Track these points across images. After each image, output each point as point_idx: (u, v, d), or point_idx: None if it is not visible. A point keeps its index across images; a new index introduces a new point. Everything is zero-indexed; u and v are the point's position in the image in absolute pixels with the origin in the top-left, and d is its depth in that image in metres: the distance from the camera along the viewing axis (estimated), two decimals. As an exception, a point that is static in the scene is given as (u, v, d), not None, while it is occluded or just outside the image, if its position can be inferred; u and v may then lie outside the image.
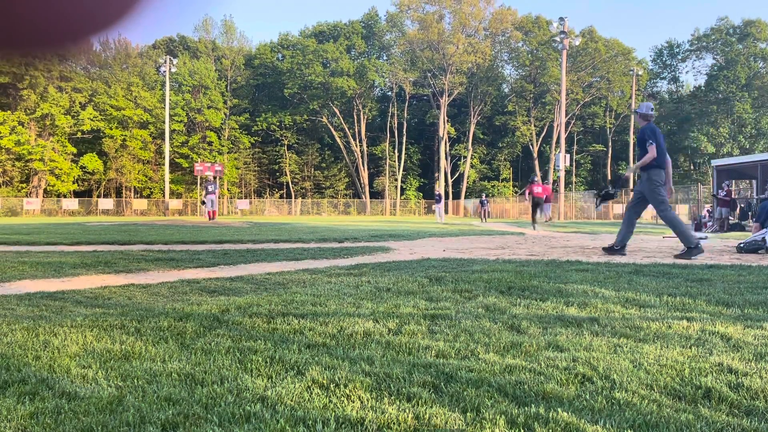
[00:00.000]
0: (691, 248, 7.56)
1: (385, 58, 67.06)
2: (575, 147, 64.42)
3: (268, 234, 14.33)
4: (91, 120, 53.98)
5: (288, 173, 64.76)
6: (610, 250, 8.25)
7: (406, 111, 64.74)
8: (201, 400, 2.24)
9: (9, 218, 36.73)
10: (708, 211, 22.33)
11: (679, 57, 67.34)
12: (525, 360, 2.75)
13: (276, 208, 62.86)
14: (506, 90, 67.66)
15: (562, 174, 39.15)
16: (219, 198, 55.29)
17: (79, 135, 54.57)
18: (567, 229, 20.05)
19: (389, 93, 66.82)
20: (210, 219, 25.25)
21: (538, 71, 61.75)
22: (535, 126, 63.28)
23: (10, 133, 50.58)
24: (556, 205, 40.30)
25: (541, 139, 63.81)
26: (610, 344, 3.02)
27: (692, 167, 65.66)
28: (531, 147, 63.64)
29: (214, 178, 32.79)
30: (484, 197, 35.53)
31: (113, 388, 2.39)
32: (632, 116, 57.11)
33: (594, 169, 68.34)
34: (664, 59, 68.36)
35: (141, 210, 54.43)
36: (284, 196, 65.55)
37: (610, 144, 64.28)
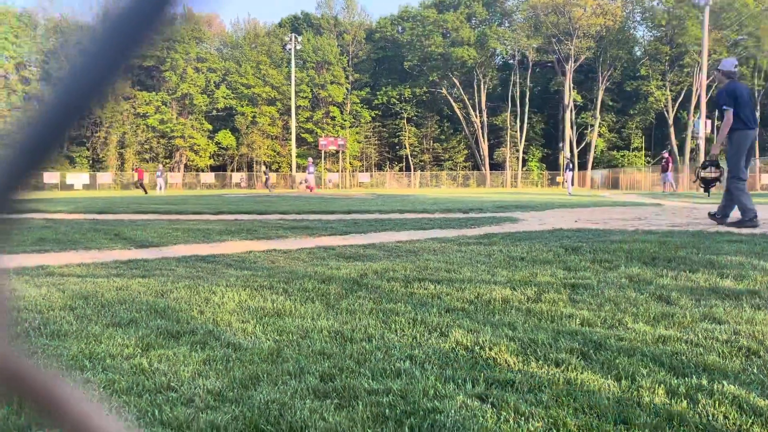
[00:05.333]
0: (745, 220, 7.23)
1: (506, 24, 65.03)
2: (717, 112, 59.17)
3: (393, 205, 14.58)
4: (224, 98, 57.36)
5: (407, 146, 65.17)
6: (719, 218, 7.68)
7: (528, 79, 62.60)
8: (352, 355, 2.35)
9: (154, 191, 40.17)
10: None
11: None
12: (679, 331, 2.62)
13: (396, 180, 63.63)
14: (639, 53, 63.24)
15: (702, 142, 36.16)
16: (341, 172, 57.06)
17: (214, 113, 58.24)
18: (709, 200, 18.59)
19: (511, 61, 64.84)
20: (311, 191, 31.75)
21: (675, 31, 57.09)
22: (670, 91, 58.77)
23: (155, 113, 55.06)
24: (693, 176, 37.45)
25: (677, 104, 59.21)
26: (776, 318, 2.79)
27: None
28: (666, 113, 59.29)
29: (298, 167, 40.12)
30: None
31: (271, 341, 2.57)
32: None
33: (739, 135, 62.42)
34: (826, 10, 60.58)
35: (271, 183, 57.28)
36: (403, 169, 66.13)
37: (758, 107, 58.40)
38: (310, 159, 38.58)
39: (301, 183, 33.00)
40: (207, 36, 60.29)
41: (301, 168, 58.25)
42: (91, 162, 56.52)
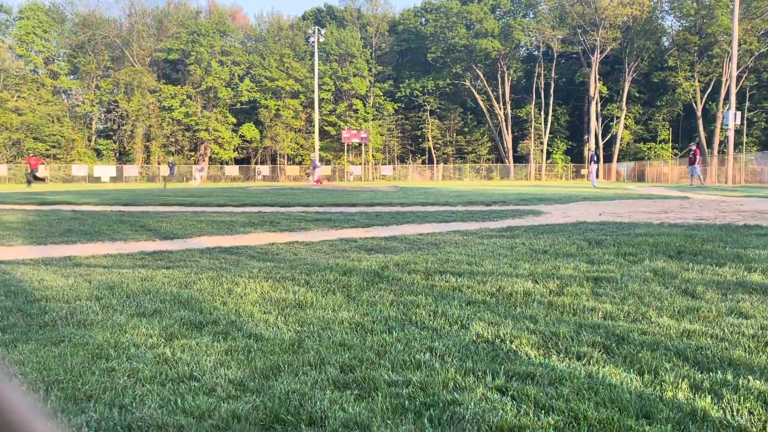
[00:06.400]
0: None
1: (531, 15, 64.25)
2: (747, 104, 57.78)
3: (415, 197, 14.56)
4: (248, 91, 57.67)
5: (430, 138, 64.88)
6: None
7: (553, 70, 61.83)
8: (372, 346, 2.36)
9: (179, 183, 40.64)
10: None
11: None
12: (704, 325, 2.57)
13: (418, 173, 63.48)
14: (666, 43, 62.02)
15: (731, 134, 35.41)
16: (364, 164, 57.18)
17: (238, 106, 58.59)
18: (738, 193, 18.23)
19: (536, 52, 64.11)
20: (319, 184, 32.36)
21: (705, 21, 55.86)
22: (699, 82, 57.56)
23: (180, 106, 55.63)
24: (724, 168, 36.78)
25: (706, 96, 58.00)
26: (805, 314, 2.73)
27: None
28: (694, 105, 58.12)
29: (321, 160, 43.38)
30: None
31: (293, 332, 2.59)
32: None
33: (770, 127, 60.98)
34: None
35: (294, 176, 57.57)
36: (426, 161, 65.89)
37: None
38: (313, 155, 41.35)
39: (308, 176, 34.43)
40: (231, 29, 60.59)
41: (324, 161, 58.46)
42: (117, 155, 57.36)
